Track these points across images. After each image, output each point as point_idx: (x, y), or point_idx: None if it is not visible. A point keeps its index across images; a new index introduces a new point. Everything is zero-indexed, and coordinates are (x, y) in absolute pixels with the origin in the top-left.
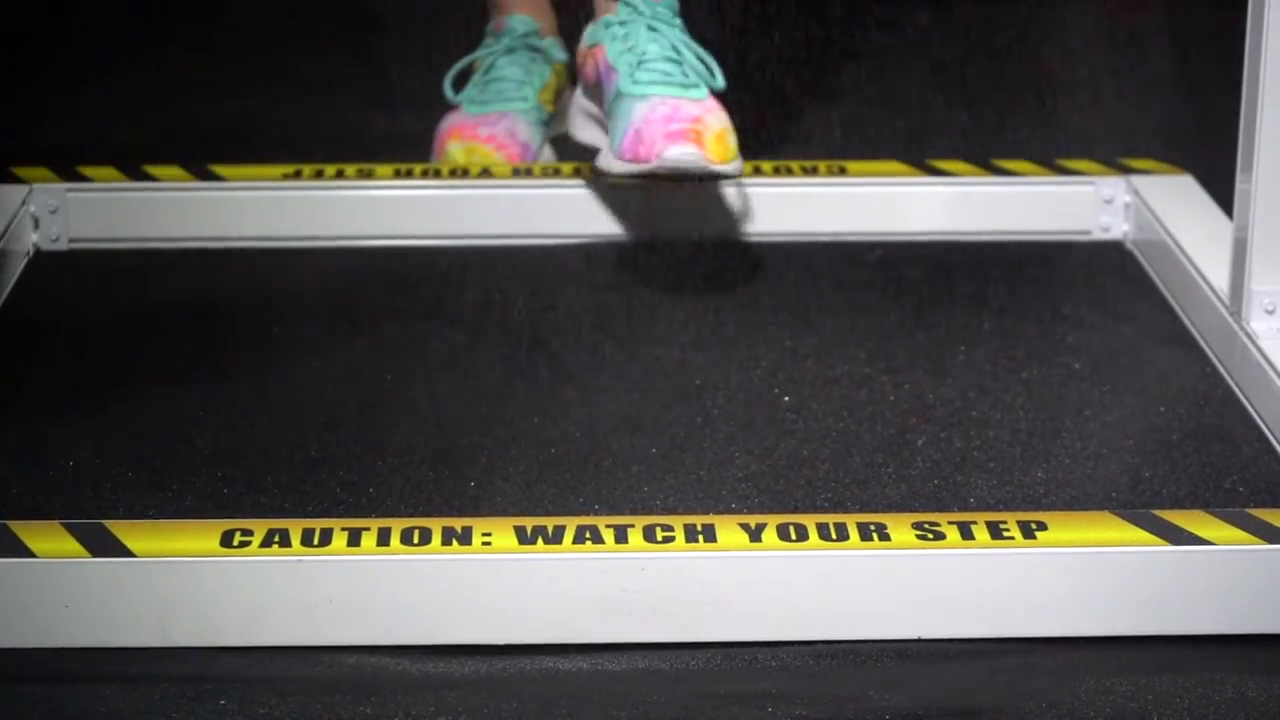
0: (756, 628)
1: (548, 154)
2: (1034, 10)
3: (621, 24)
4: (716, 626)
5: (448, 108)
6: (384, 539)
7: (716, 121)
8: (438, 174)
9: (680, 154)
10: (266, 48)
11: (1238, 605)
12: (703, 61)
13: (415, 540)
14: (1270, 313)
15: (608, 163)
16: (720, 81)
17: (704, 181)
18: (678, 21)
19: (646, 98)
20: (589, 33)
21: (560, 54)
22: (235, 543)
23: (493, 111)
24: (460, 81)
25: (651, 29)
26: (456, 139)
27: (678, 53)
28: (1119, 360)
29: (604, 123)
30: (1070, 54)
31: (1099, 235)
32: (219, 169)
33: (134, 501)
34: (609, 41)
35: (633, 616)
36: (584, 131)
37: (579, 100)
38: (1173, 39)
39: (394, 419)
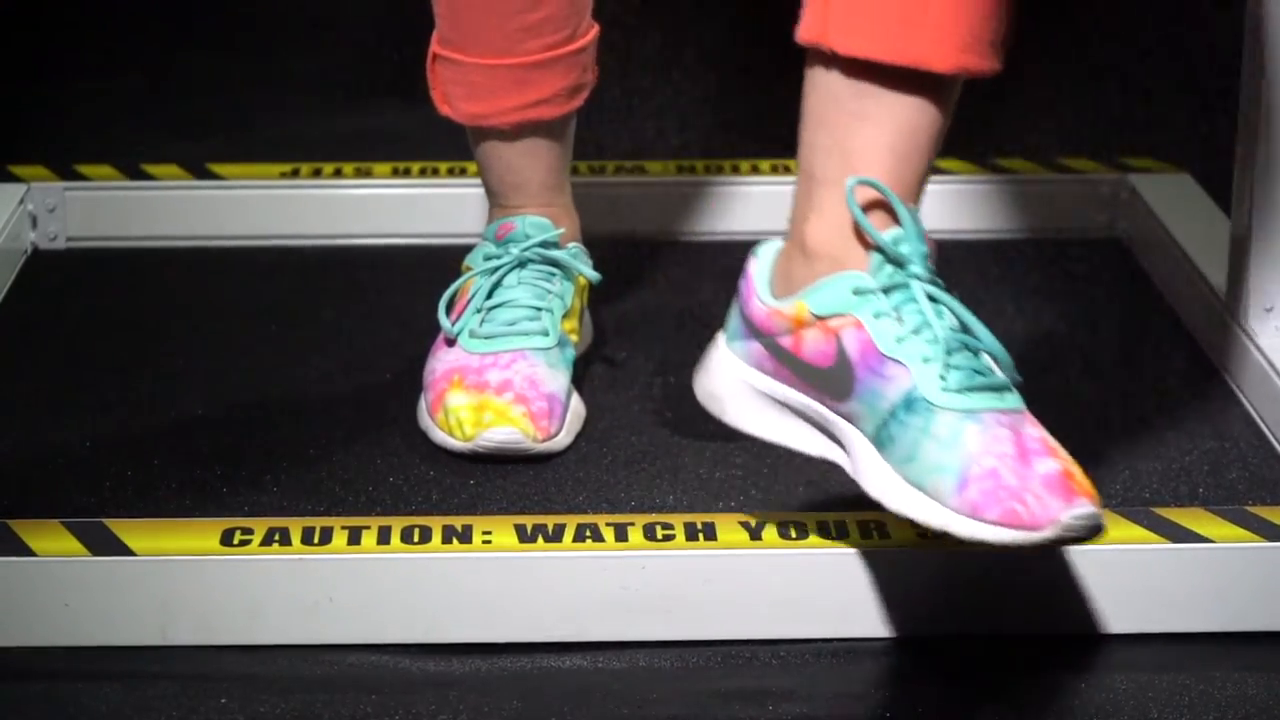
0: (757, 625)
1: (577, 405)
2: (1030, 5)
3: (887, 292)
4: (717, 624)
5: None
6: (384, 537)
7: (1055, 442)
8: (435, 172)
9: (1082, 518)
10: (265, 45)
11: (1237, 602)
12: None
13: (415, 539)
14: (1269, 311)
15: (943, 518)
16: (1016, 372)
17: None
18: (941, 280)
19: (977, 415)
20: (811, 295)
21: (588, 268)
22: (235, 541)
23: (504, 350)
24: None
25: (933, 299)
26: (460, 389)
27: (972, 334)
28: (1117, 358)
29: (821, 424)
30: (1067, 49)
31: (1097, 234)
32: (217, 168)
33: (134, 500)
34: (874, 318)
35: (633, 614)
36: (759, 421)
37: (746, 374)
38: (1172, 36)
39: (394, 416)
